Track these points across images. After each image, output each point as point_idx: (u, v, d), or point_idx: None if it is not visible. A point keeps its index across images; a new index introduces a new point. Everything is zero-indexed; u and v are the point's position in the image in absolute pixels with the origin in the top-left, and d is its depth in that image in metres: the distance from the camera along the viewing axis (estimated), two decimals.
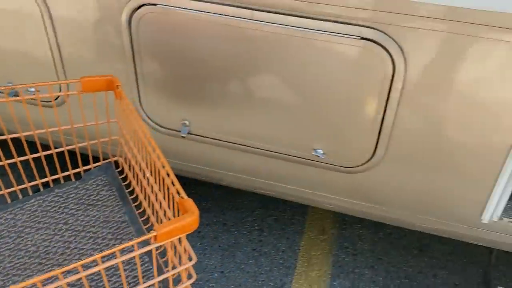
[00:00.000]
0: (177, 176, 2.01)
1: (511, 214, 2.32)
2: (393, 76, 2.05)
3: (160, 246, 1.89)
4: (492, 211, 2.27)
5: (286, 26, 2.08)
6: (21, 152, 2.21)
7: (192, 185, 3.48)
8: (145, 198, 2.01)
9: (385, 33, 1.98)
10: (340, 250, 3.16)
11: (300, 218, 3.35)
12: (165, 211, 1.73)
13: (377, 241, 3.21)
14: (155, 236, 1.37)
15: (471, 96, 2.02)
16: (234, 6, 2.11)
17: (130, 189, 2.16)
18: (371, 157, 2.30)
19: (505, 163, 2.12)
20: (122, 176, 2.22)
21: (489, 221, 2.31)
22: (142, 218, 2.06)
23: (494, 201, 2.24)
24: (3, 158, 2.06)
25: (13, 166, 2.57)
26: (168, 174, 1.60)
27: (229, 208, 3.39)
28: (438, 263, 3.08)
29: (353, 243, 3.20)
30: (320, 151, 2.35)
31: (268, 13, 2.08)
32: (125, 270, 1.84)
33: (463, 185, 2.27)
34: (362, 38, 2.02)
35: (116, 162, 2.28)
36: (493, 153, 2.12)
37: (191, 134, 2.56)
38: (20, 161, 2.13)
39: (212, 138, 2.53)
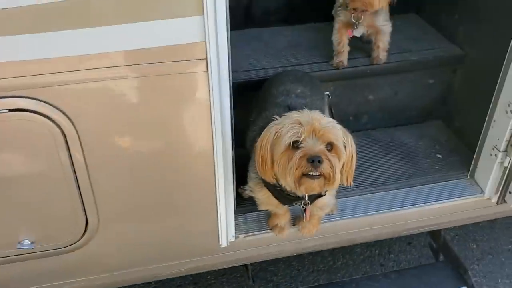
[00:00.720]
0: None
1: (244, 229, 2.32)
2: (66, 141, 1.81)
3: None
4: (226, 234, 2.22)
5: None
6: None
7: None
8: None
9: (37, 99, 1.72)
10: None
11: None
12: None
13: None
14: None
15: (160, 138, 1.90)
16: None
17: None
18: (86, 227, 2.04)
19: (216, 191, 2.07)
20: None
21: (228, 243, 2.26)
22: None
23: (223, 226, 2.19)
24: None
25: None
26: None
27: None
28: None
29: None
30: (27, 241, 2.01)
31: None
32: None
33: (190, 222, 2.18)
34: (12, 110, 1.72)
35: None
36: (203, 184, 2.05)
37: None
38: None
39: None
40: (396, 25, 2.69)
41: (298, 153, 1.71)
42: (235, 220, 2.30)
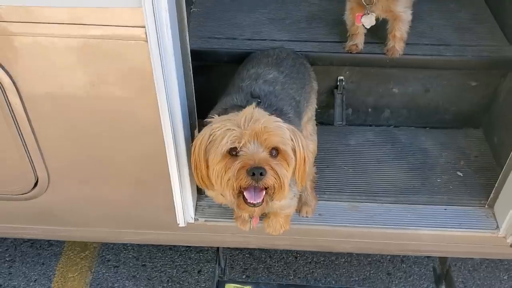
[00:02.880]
0: None
1: (207, 213, 2.15)
2: (5, 93, 1.74)
3: None
4: (183, 215, 2.07)
5: None
6: None
7: None
8: None
9: None
10: (102, 265, 2.89)
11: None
12: None
13: (143, 246, 2.98)
14: None
15: (101, 103, 1.76)
16: None
17: None
18: (37, 181, 2.01)
19: (169, 168, 1.90)
20: None
21: (186, 224, 2.11)
22: None
23: (179, 206, 2.04)
24: None
25: None
26: None
27: None
28: (206, 256, 2.91)
29: (117, 254, 2.94)
30: None
31: None
32: None
33: (144, 195, 2.07)
34: None
35: None
36: (154, 159, 1.90)
37: None
38: None
39: None
40: (446, 6, 2.22)
41: (237, 164, 1.47)
42: (197, 202, 2.15)
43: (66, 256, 2.94)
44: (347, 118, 2.51)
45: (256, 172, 1.44)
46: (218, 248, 2.44)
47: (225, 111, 1.72)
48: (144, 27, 1.55)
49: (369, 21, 2.10)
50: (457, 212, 2.14)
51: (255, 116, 1.50)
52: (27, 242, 3.01)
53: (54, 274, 2.85)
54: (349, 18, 2.17)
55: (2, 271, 2.85)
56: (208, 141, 1.54)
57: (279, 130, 1.50)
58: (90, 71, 1.69)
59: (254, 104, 1.56)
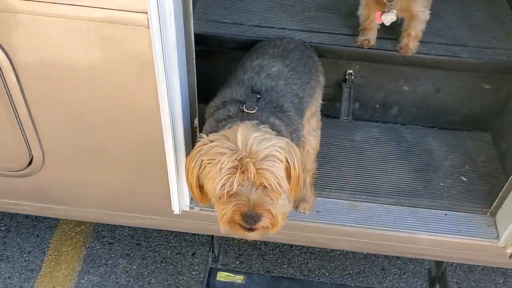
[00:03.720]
0: None
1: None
2: (0, 69, 1.68)
3: None
4: (178, 202, 2.04)
5: None
6: None
7: None
8: None
9: None
10: (96, 240, 2.88)
11: None
12: None
13: None
14: None
15: (99, 88, 1.71)
16: None
17: None
18: (31, 159, 1.97)
19: (166, 156, 1.86)
20: None
21: (181, 211, 2.08)
22: None
23: (175, 194, 2.00)
24: None
25: None
26: None
27: None
28: (200, 239, 2.89)
29: (112, 231, 2.93)
30: None
31: None
32: None
33: (140, 181, 2.04)
34: None
35: None
36: (152, 146, 1.86)
37: None
38: None
39: None
40: (466, 4, 2.12)
41: (231, 207, 1.44)
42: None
43: (61, 230, 2.93)
44: (354, 113, 2.44)
45: (250, 219, 1.43)
46: (212, 236, 2.42)
47: (223, 105, 1.67)
48: (147, 13, 1.48)
49: (389, 18, 2.01)
50: (457, 218, 2.09)
51: (246, 145, 1.43)
52: (23, 213, 3.00)
53: (48, 247, 2.84)
54: (364, 13, 2.07)
55: None
56: (201, 170, 1.49)
57: (273, 167, 1.45)
58: (89, 55, 1.63)
59: (253, 124, 1.51)
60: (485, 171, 2.26)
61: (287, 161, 1.49)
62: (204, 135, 1.53)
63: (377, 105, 2.41)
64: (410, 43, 2.09)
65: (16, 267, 2.74)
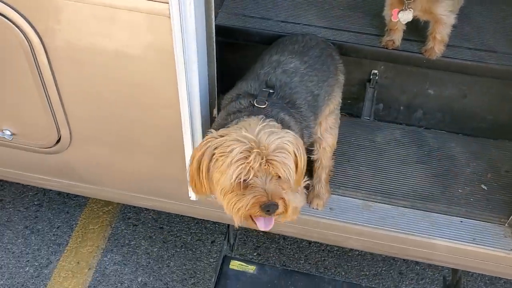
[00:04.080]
0: None
1: None
2: (34, 53, 1.79)
3: None
4: None
5: None
6: None
7: None
8: None
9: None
10: (122, 221, 2.99)
11: None
12: None
13: None
14: None
15: (122, 73, 1.79)
16: None
17: None
18: (59, 138, 2.08)
19: (184, 143, 1.92)
20: None
21: (196, 198, 2.14)
22: None
23: None
24: None
25: None
26: None
27: (10, 182, 3.18)
28: (220, 228, 2.95)
29: (138, 213, 3.04)
30: (8, 132, 2.12)
31: None
32: None
33: (160, 166, 2.11)
34: None
35: None
36: (170, 132, 1.92)
37: None
38: None
39: None
40: (499, 9, 2.07)
41: (250, 198, 1.47)
42: None
43: (90, 208, 3.06)
44: (378, 113, 2.43)
45: (271, 210, 1.47)
46: (228, 225, 2.47)
47: (236, 98, 1.71)
48: (168, 2, 1.54)
49: (406, 16, 1.98)
50: (473, 226, 2.06)
51: (258, 138, 1.46)
52: (55, 190, 3.15)
53: (76, 223, 2.98)
54: (388, 13, 2.06)
55: (30, 214, 3.01)
56: (212, 162, 1.52)
57: (285, 159, 1.48)
58: (113, 41, 1.71)
59: (259, 119, 1.54)
60: (507, 181, 2.20)
61: (294, 153, 1.52)
62: (213, 130, 1.57)
63: (401, 107, 2.40)
64: (436, 46, 2.06)
65: (45, 240, 2.88)
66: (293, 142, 1.51)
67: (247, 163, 1.44)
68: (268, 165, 1.45)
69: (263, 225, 1.57)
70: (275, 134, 1.49)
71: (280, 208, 1.50)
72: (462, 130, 2.39)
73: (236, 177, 1.46)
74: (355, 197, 2.14)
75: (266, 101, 1.64)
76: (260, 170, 1.45)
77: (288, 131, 1.52)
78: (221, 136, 1.51)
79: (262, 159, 1.44)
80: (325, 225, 2.12)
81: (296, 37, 1.97)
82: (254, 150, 1.44)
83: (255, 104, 1.63)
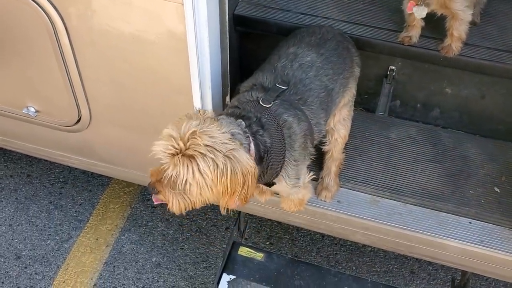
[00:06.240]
0: None
1: None
2: (56, 34, 1.87)
3: None
4: None
5: None
6: None
7: None
8: None
9: None
10: (141, 203, 3.09)
11: None
12: None
13: None
14: None
15: (138, 59, 1.86)
16: None
17: None
18: (79, 117, 2.17)
19: None
20: None
21: None
22: None
23: None
24: None
25: None
26: None
27: (38, 159, 3.32)
28: (235, 215, 3.00)
29: None
30: (32, 109, 2.23)
31: None
32: None
33: None
34: None
35: None
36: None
37: None
38: None
39: None
40: None
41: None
42: None
43: (112, 188, 3.17)
44: (395, 110, 2.42)
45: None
46: (239, 212, 2.52)
47: (250, 88, 1.74)
48: None
49: (420, 12, 1.97)
50: (482, 228, 2.04)
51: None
52: (79, 168, 3.28)
53: (98, 202, 3.09)
54: (406, 8, 2.05)
55: (55, 190, 3.14)
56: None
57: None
58: (131, 25, 1.77)
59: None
60: None
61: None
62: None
63: (418, 105, 2.38)
64: (453, 44, 2.03)
65: (67, 216, 3.01)
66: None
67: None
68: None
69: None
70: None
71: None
72: (479, 131, 2.35)
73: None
74: (364, 192, 2.14)
75: (274, 99, 1.66)
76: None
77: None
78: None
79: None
80: (332, 217, 2.14)
81: (313, 28, 1.98)
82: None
83: (261, 102, 1.66)
